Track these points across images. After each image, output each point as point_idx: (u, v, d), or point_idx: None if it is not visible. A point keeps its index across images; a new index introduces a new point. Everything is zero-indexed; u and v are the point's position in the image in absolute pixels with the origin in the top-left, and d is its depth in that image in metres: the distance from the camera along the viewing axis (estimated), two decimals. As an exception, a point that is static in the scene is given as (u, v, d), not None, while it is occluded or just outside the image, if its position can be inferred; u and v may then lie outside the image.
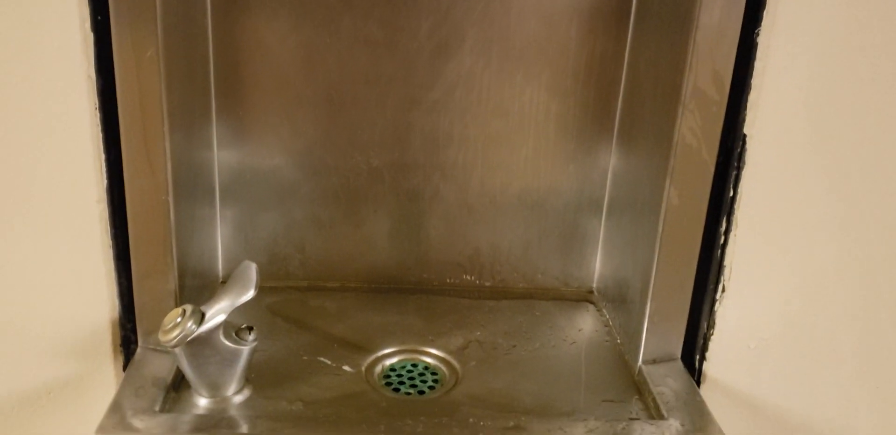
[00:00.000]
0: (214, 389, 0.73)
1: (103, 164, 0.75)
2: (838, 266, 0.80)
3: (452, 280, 0.99)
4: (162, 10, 0.69)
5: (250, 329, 0.73)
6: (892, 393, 0.84)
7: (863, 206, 0.77)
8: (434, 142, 0.92)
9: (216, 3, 0.85)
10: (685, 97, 0.71)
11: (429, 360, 0.85)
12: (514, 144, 0.92)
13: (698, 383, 0.84)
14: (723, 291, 0.81)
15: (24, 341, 0.79)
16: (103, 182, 0.75)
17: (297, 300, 0.96)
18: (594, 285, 1.00)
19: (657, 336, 0.80)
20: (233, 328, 0.73)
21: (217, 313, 0.70)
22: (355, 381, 0.80)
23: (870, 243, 0.79)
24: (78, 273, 0.78)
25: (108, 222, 0.77)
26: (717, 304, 0.81)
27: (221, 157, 0.92)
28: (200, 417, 0.71)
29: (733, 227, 0.78)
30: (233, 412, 0.73)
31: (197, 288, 0.86)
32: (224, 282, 0.93)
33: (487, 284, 1.00)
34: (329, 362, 0.82)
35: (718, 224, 0.79)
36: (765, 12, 0.70)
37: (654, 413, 0.75)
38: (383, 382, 0.81)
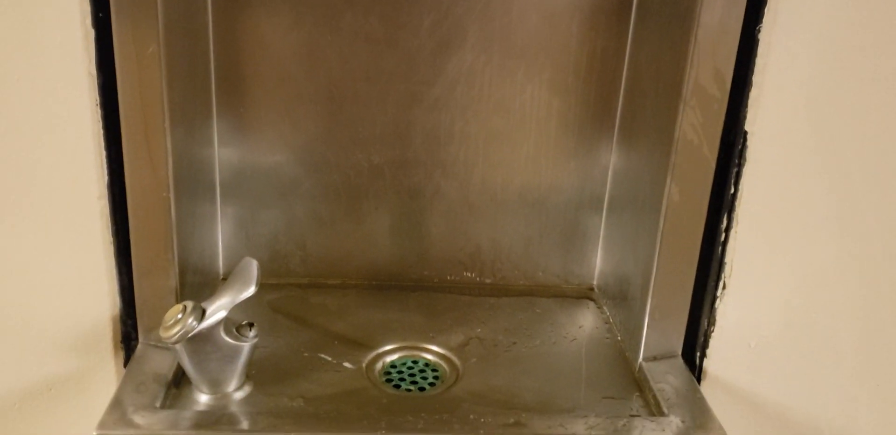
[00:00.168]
0: (215, 385, 0.73)
1: (104, 161, 0.75)
2: (839, 263, 0.80)
3: (453, 277, 0.99)
4: (163, 6, 0.69)
5: (251, 326, 0.73)
6: (892, 390, 0.84)
7: (863, 204, 0.77)
8: (435, 139, 0.92)
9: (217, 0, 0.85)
10: (686, 94, 0.71)
11: (429, 356, 0.85)
12: (515, 141, 0.92)
13: (699, 380, 0.84)
14: (723, 288, 0.81)
15: (25, 338, 0.79)
16: (104, 178, 0.75)
17: (298, 297, 0.96)
18: (595, 282, 1.00)
19: (658, 333, 0.80)
20: (233, 325, 0.73)
21: (218, 310, 0.70)
22: (356, 377, 0.80)
23: (870, 240, 0.79)
24: (79, 269, 0.78)
25: (108, 219, 0.77)
26: (717, 301, 0.81)
27: (222, 153, 0.92)
28: (201, 413, 0.71)
29: (734, 224, 0.78)
30: (233, 409, 0.73)
31: (198, 285, 0.86)
32: (225, 278, 0.93)
33: (488, 281, 1.00)
34: (330, 359, 0.82)
35: (719, 221, 0.79)
36: (766, 9, 0.70)
37: (655, 410, 0.75)
38: (384, 378, 0.81)
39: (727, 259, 0.80)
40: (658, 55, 0.79)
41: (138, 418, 0.68)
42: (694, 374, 0.83)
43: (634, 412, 0.75)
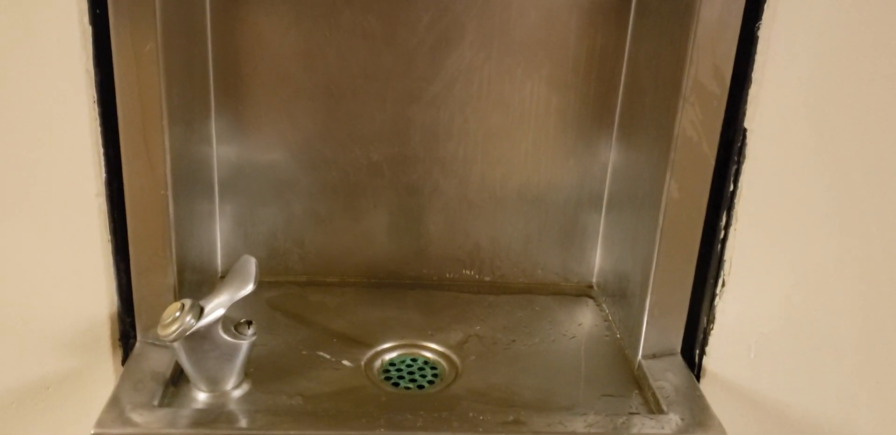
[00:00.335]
0: (213, 383, 0.73)
1: (102, 158, 0.74)
2: (839, 261, 0.79)
3: (452, 275, 0.99)
4: (161, 3, 0.69)
5: (249, 323, 0.73)
6: (892, 388, 0.84)
7: (863, 201, 0.77)
8: (434, 136, 0.92)
9: (215, -3, 0.85)
10: (686, 91, 0.71)
11: (428, 354, 0.85)
12: (514, 138, 0.92)
13: (698, 378, 0.84)
14: (723, 285, 0.81)
15: (22, 336, 0.79)
16: (102, 176, 0.75)
17: (297, 295, 0.95)
18: (594, 280, 1.00)
19: (657, 331, 0.80)
20: (232, 323, 0.73)
21: (216, 308, 0.70)
22: (355, 375, 0.80)
23: (870, 238, 0.78)
24: (77, 267, 0.78)
25: (106, 216, 0.77)
26: (716, 298, 0.81)
27: (221, 151, 0.91)
28: (199, 411, 0.70)
29: (733, 221, 0.78)
30: (232, 407, 0.73)
31: (196, 282, 0.86)
32: (223, 276, 0.93)
33: (487, 278, 1.00)
34: (328, 357, 0.82)
35: (718, 218, 0.79)
36: (765, 6, 0.70)
37: (654, 408, 0.75)
38: (383, 376, 0.81)
39: (726, 256, 0.79)
40: (657, 52, 0.78)
41: (136, 417, 0.68)
42: (693, 371, 0.83)
43: (633, 410, 0.75)
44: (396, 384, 0.80)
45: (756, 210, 0.78)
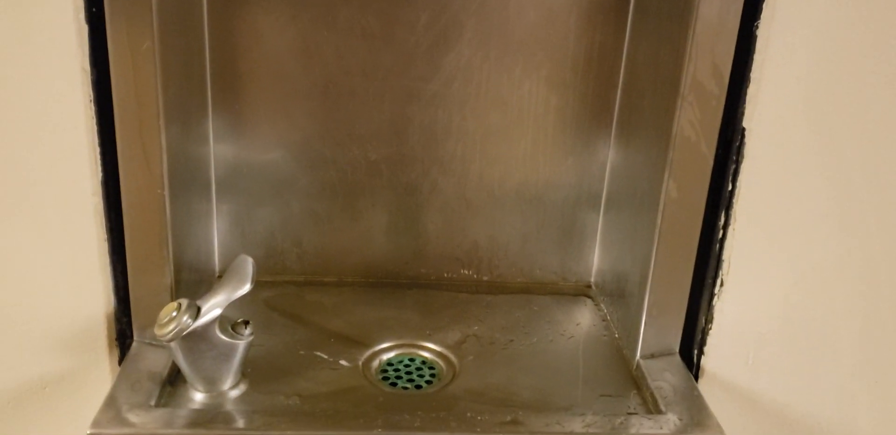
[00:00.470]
0: (210, 383, 0.73)
1: (98, 157, 0.74)
2: (837, 260, 0.79)
3: (450, 274, 0.99)
4: (157, 1, 0.69)
5: (246, 323, 0.73)
6: (890, 387, 0.84)
7: (862, 200, 0.77)
8: (432, 135, 0.91)
9: (212, -5, 0.85)
10: (684, 90, 0.70)
11: (426, 354, 0.85)
12: (512, 138, 0.92)
13: (696, 378, 0.84)
14: (721, 285, 0.81)
15: (18, 336, 0.79)
16: (98, 175, 0.75)
17: (294, 295, 0.95)
18: (592, 280, 1.00)
19: (655, 330, 0.80)
20: (229, 322, 0.73)
21: (213, 308, 0.69)
22: (352, 375, 0.79)
23: (869, 237, 0.78)
24: (73, 267, 0.78)
25: (103, 216, 0.76)
26: (715, 298, 0.81)
27: (218, 150, 0.91)
28: (196, 411, 0.70)
29: (732, 221, 0.78)
30: (229, 407, 0.72)
31: (193, 282, 0.85)
32: (220, 276, 0.93)
33: (485, 278, 0.99)
34: (326, 357, 0.82)
35: (717, 218, 0.79)
36: (764, 5, 0.70)
37: (652, 408, 0.75)
38: (380, 376, 0.81)
39: (725, 256, 0.79)
40: (656, 51, 0.78)
41: (133, 417, 0.68)
42: (691, 371, 0.82)
43: (632, 410, 0.75)
44: (394, 384, 0.79)
45: (755, 210, 0.77)
